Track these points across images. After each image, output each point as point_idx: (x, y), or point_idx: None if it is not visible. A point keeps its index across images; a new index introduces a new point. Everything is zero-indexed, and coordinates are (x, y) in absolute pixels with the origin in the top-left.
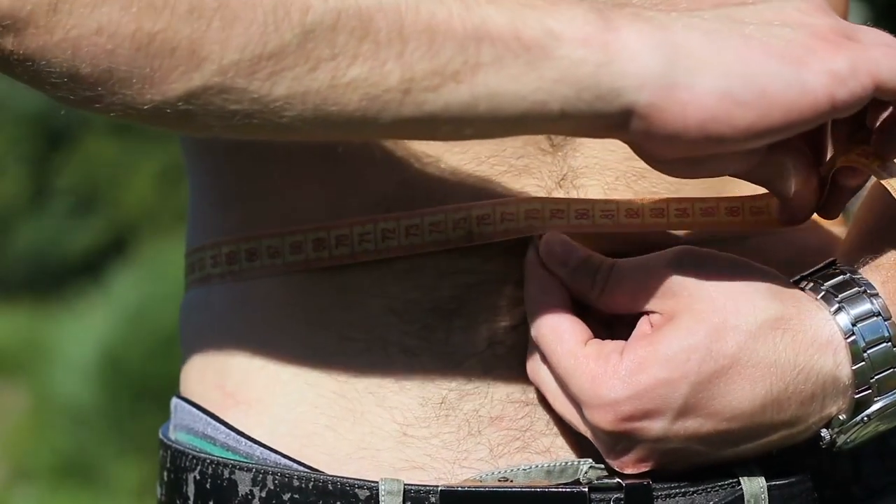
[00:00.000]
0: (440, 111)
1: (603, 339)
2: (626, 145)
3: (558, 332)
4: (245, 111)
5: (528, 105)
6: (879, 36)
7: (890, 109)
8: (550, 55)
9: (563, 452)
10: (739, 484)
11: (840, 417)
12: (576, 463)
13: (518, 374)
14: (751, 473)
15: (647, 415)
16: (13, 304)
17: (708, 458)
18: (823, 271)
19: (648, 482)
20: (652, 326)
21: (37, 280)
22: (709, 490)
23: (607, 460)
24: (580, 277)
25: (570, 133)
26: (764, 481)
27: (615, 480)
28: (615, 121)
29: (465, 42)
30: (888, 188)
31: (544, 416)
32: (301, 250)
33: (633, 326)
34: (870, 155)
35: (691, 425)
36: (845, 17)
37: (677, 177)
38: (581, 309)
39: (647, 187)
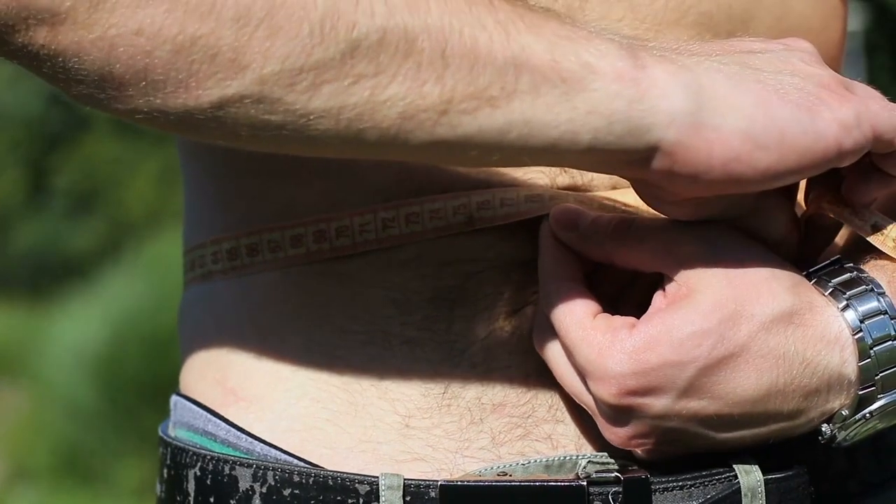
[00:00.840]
0: (473, 134)
1: (612, 314)
2: None
3: (569, 303)
4: (278, 123)
5: (558, 134)
6: (869, 90)
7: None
8: (586, 87)
9: (563, 439)
10: (737, 477)
11: (842, 413)
12: (574, 457)
13: (520, 358)
14: (748, 467)
15: (650, 391)
16: (12, 303)
17: (706, 443)
18: (830, 268)
19: (646, 475)
20: (666, 297)
21: (35, 280)
22: (706, 483)
23: (605, 435)
24: (593, 231)
25: (591, 168)
26: (761, 474)
27: (613, 474)
28: (640, 156)
29: (504, 69)
30: (863, 235)
31: (546, 401)
32: (302, 243)
33: (641, 303)
34: (840, 202)
35: (693, 406)
36: (845, 21)
37: (678, 217)
38: (590, 284)
39: None
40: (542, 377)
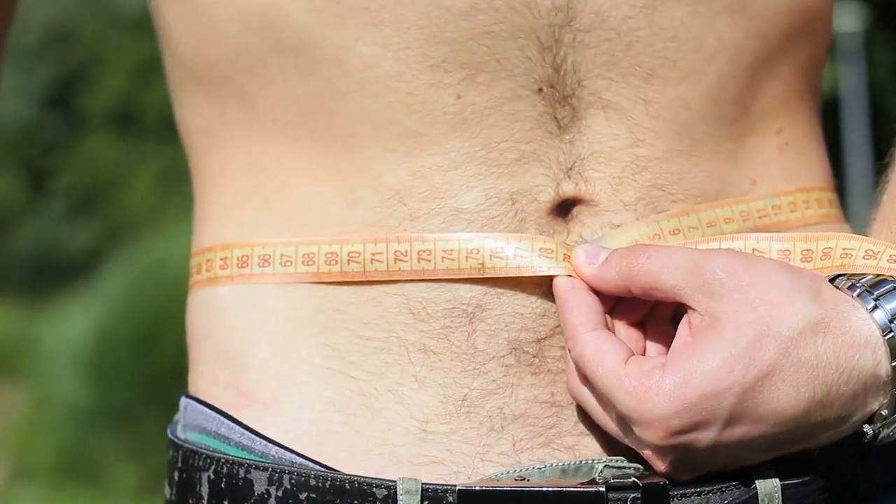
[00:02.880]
0: None
1: (641, 348)
2: (628, 132)
3: (598, 353)
4: None
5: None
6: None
7: None
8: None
9: (587, 451)
10: (754, 483)
11: (882, 413)
12: (590, 462)
13: (544, 379)
14: (765, 473)
15: (695, 427)
16: (12, 303)
17: (754, 462)
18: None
19: (664, 482)
20: (691, 328)
21: (35, 280)
22: (723, 490)
23: (657, 471)
24: (611, 265)
25: None
26: (778, 481)
27: (631, 480)
28: None
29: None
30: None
31: (572, 416)
32: (313, 262)
33: (666, 330)
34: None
35: (738, 432)
36: (830, 12)
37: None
38: (614, 320)
39: (651, 179)
40: (568, 397)
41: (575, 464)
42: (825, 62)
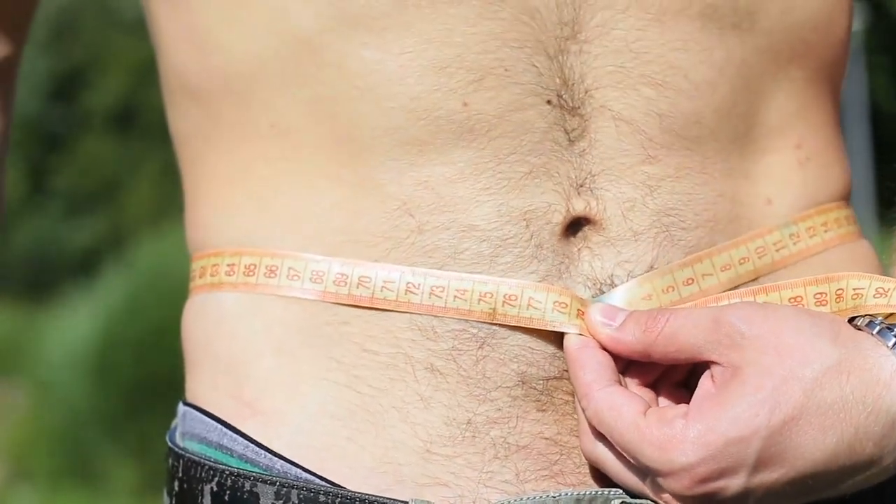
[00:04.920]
0: None
1: (656, 403)
2: (639, 147)
3: (615, 407)
4: None
5: None
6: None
7: None
8: None
9: (591, 486)
10: None
11: None
12: (605, 493)
13: (551, 417)
14: None
15: (723, 473)
16: (12, 303)
17: None
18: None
19: None
20: (714, 381)
21: (35, 280)
22: None
23: None
24: (629, 330)
25: None
26: None
27: None
28: None
29: None
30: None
31: (577, 458)
32: (321, 281)
33: (680, 387)
34: None
35: (768, 477)
36: (850, 18)
37: None
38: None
39: (662, 203)
40: (573, 440)
41: (590, 494)
42: (845, 68)
